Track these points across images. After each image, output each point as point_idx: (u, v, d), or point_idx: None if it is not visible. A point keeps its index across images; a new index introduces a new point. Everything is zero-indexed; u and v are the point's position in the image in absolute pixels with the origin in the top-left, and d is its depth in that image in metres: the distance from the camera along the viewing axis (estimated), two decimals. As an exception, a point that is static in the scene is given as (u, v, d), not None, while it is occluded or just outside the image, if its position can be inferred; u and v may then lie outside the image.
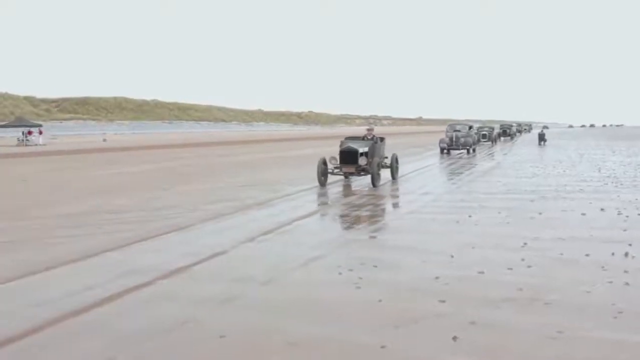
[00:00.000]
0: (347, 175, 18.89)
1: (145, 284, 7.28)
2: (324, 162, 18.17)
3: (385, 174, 19.31)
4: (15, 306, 6.48)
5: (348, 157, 18.17)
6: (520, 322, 5.75)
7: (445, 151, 36.36)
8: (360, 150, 18.14)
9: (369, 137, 19.80)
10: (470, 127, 39.37)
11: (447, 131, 38.26)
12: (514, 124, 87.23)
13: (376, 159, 18.24)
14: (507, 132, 68.75)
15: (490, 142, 51.41)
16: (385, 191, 17.03)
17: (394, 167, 19.65)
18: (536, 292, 6.68)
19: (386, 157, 20.11)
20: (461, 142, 36.18)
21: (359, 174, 18.35)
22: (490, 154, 38.16)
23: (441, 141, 36.82)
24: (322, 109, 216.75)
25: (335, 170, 18.37)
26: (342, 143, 19.06)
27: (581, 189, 16.56)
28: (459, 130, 37.43)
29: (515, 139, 70.02)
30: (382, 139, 20.12)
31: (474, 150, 37.77)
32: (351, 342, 5.31)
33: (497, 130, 63.62)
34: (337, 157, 18.38)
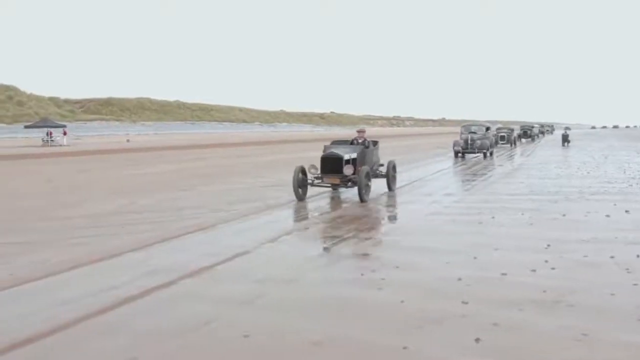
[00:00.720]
0: (333, 187, 15.93)
1: (167, 284, 7.34)
2: (303, 171, 15.15)
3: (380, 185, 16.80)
4: (39, 305, 6.55)
5: (330, 165, 15.09)
6: (543, 324, 5.70)
7: (459, 155, 33.74)
8: (346, 156, 15.08)
9: (359, 141, 16.82)
10: (488, 129, 35.94)
11: (461, 133, 35.17)
12: (536, 125, 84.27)
13: (365, 168, 14.89)
14: (528, 133, 66.85)
15: (509, 145, 48.96)
16: (402, 194, 16.96)
17: (390, 176, 16.70)
18: (560, 294, 6.63)
19: (382, 165, 17.34)
20: (477, 145, 33.37)
21: (345, 185, 15.22)
22: (510, 156, 36.68)
23: (455, 144, 34.21)
24: (345, 110, 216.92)
25: (316, 182, 15.31)
26: (325, 148, 16.06)
27: (606, 191, 16.39)
28: (474, 132, 34.46)
29: (537, 140, 68.25)
30: (375, 143, 17.19)
31: (491, 153, 35.02)
32: (373, 343, 5.30)
33: (517, 132, 61.31)
34: (319, 164, 15.27)
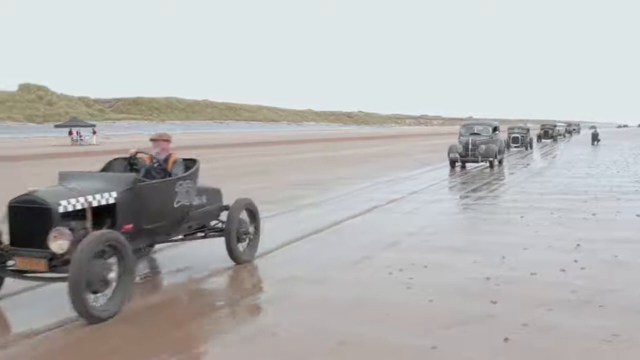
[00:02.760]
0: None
1: (198, 280, 7.40)
2: None
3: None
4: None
5: (24, 225, 6.22)
6: (573, 324, 5.66)
7: (456, 164, 25.46)
8: (63, 204, 6.19)
9: (155, 161, 7.93)
10: (496, 129, 27.16)
11: (460, 135, 26.72)
12: (561, 124, 75.07)
13: (102, 236, 6.00)
14: (550, 133, 59.02)
15: (523, 148, 41.37)
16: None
17: (232, 236, 8.10)
18: (590, 294, 6.57)
19: (222, 208, 8.73)
20: (481, 152, 24.95)
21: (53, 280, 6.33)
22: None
23: (451, 149, 25.32)
24: (372, 109, 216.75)
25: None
26: (61, 176, 7.36)
27: (636, 190, 16.20)
28: (477, 133, 26.35)
29: (566, 139, 64.58)
30: (193, 162, 8.14)
31: (500, 162, 26.77)
32: (402, 343, 5.30)
33: (536, 132, 56.60)
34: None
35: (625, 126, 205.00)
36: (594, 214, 12.12)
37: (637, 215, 11.89)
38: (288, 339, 5.47)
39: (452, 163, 25.26)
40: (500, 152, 26.88)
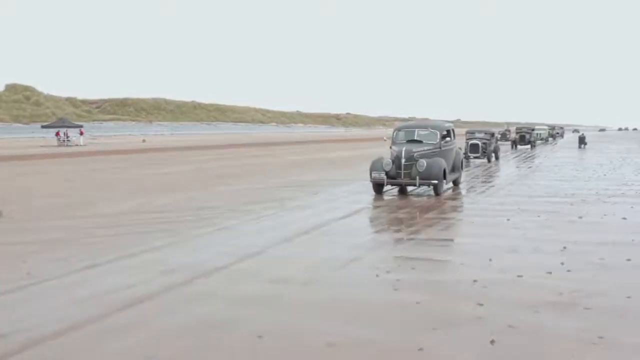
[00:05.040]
0: None
1: (184, 283, 7.38)
2: None
3: None
4: (56, 304, 6.61)
5: None
6: (559, 326, 5.69)
7: (384, 187, 16.71)
8: None
9: None
10: (447, 134, 18.10)
11: (393, 142, 17.59)
12: (543, 127, 66.50)
13: None
14: (526, 138, 49.65)
15: (485, 159, 31.64)
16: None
17: None
18: (576, 297, 6.61)
19: None
20: (420, 169, 15.96)
21: None
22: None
23: (375, 165, 16.50)
24: (361, 111, 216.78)
25: None
26: None
27: (623, 193, 16.29)
28: (417, 141, 17.25)
29: (546, 145, 57.57)
30: None
31: (455, 183, 18.41)
32: (389, 344, 5.31)
33: (511, 136, 50.23)
34: None
35: (603, 130, 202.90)
36: (580, 217, 12.18)
37: (623, 219, 11.96)
38: (276, 340, 5.46)
39: (377, 187, 16.46)
40: (456, 168, 18.45)
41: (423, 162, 15.99)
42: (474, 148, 31.31)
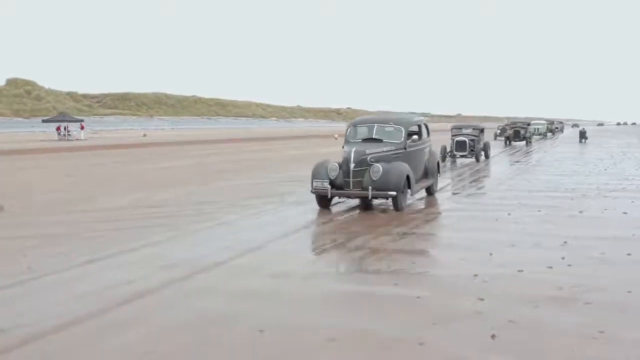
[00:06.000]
0: None
1: (184, 278, 7.38)
2: None
3: None
4: (56, 299, 6.62)
5: None
6: (560, 321, 5.69)
7: (334, 200, 13.52)
8: None
9: None
10: (418, 130, 15.11)
11: (346, 140, 13.87)
12: (541, 122, 62.92)
13: None
14: (521, 134, 45.30)
15: (473, 157, 27.89)
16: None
17: None
18: (577, 291, 6.60)
19: None
20: (374, 176, 12.40)
21: None
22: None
23: (317, 171, 13.04)
24: (361, 106, 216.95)
25: None
26: None
27: (623, 188, 16.28)
28: (376, 140, 13.65)
29: (545, 140, 55.24)
30: None
31: (429, 192, 15.11)
32: (390, 339, 5.31)
33: (508, 132, 45.95)
34: None
35: (601, 124, 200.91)
36: (581, 211, 12.18)
37: (624, 213, 11.95)
38: (277, 335, 5.47)
39: (320, 199, 13.09)
40: (429, 174, 15.04)
41: (378, 168, 12.47)
42: (460, 146, 27.82)
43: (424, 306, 6.21)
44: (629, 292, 6.62)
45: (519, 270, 7.53)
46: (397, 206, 12.54)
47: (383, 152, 13.06)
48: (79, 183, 18.80)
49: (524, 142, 45.19)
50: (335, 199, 13.52)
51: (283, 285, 7.10)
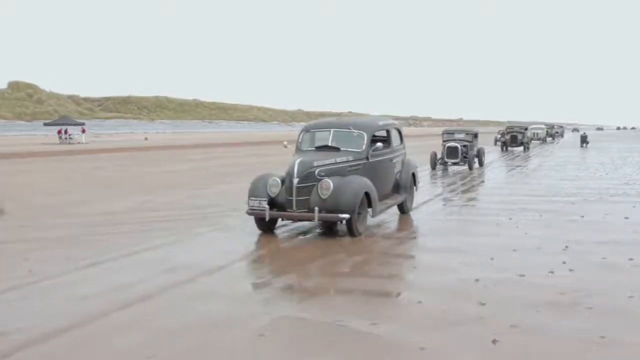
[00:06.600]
0: None
1: (186, 281, 7.37)
2: None
3: None
4: (57, 302, 6.62)
5: None
6: (561, 326, 5.68)
7: (268, 223, 10.58)
8: None
9: None
10: (386, 137, 12.25)
11: (297, 147, 11.73)
12: (540, 126, 62.53)
13: None
14: (518, 139, 43.03)
15: (465, 165, 25.53)
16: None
17: None
18: (578, 296, 6.60)
19: None
20: (322, 194, 9.92)
21: None
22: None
23: (254, 191, 10.56)
24: (362, 110, 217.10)
25: None
26: None
27: (625, 192, 16.27)
28: (332, 148, 11.14)
29: (545, 145, 54.12)
30: None
31: (403, 209, 12.65)
32: (390, 343, 5.30)
33: (505, 137, 43.71)
34: None
35: (601, 129, 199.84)
36: (582, 216, 12.16)
37: (625, 218, 11.94)
38: (278, 337, 5.46)
39: (260, 222, 10.65)
40: (402, 189, 12.61)
41: (328, 184, 10.03)
42: (452, 152, 25.43)
43: (425, 310, 6.20)
44: (631, 297, 6.61)
45: (521, 275, 7.52)
46: (351, 231, 10.08)
47: (336, 163, 10.58)
48: (81, 186, 18.79)
49: (521, 148, 43.15)
50: (280, 221, 11.11)
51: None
